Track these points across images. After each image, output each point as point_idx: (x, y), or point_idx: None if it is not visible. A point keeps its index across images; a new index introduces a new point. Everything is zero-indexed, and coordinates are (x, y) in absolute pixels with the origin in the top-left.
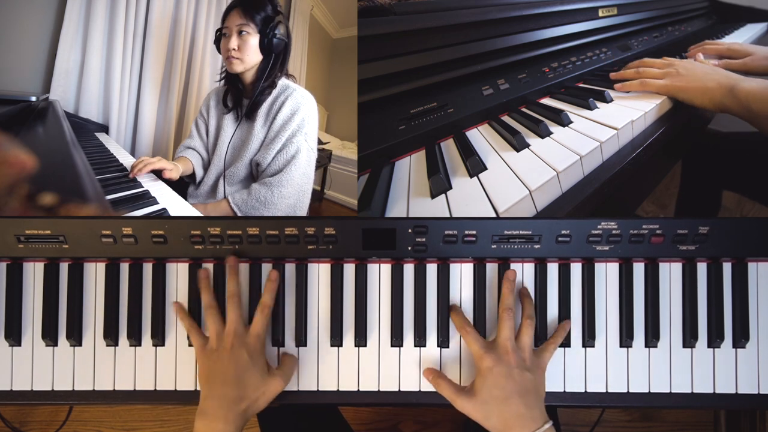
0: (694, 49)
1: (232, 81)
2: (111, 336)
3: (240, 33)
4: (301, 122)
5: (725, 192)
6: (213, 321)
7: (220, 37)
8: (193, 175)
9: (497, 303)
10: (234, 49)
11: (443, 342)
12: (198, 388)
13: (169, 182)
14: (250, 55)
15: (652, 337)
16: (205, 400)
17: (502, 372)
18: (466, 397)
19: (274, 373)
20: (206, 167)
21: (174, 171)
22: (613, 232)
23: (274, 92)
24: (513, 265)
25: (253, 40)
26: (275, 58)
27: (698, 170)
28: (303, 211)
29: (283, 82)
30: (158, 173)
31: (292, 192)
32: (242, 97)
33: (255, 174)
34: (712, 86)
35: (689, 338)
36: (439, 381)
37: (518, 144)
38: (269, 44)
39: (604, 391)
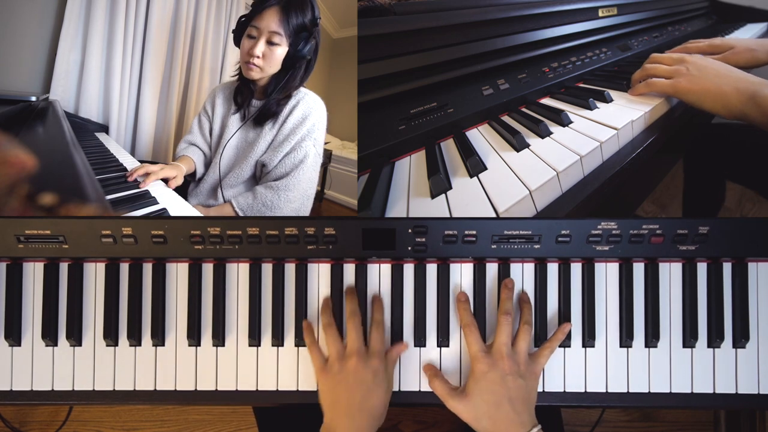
0: (678, 48)
1: (244, 79)
2: (111, 336)
3: (270, 42)
4: (311, 127)
5: (726, 192)
6: (333, 340)
7: (242, 28)
8: (194, 173)
9: (497, 303)
10: (258, 57)
11: (443, 342)
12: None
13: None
14: (272, 67)
15: (652, 337)
16: (332, 421)
17: (496, 378)
18: (458, 398)
19: (390, 388)
20: (207, 164)
21: (178, 178)
22: (613, 232)
23: None
24: (513, 265)
25: (281, 51)
26: (294, 71)
27: (701, 160)
28: (306, 213)
29: None
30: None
31: (297, 196)
32: (252, 97)
33: (258, 175)
34: (728, 91)
35: (689, 338)
36: (435, 379)
37: (518, 144)
38: (294, 59)
39: (604, 391)
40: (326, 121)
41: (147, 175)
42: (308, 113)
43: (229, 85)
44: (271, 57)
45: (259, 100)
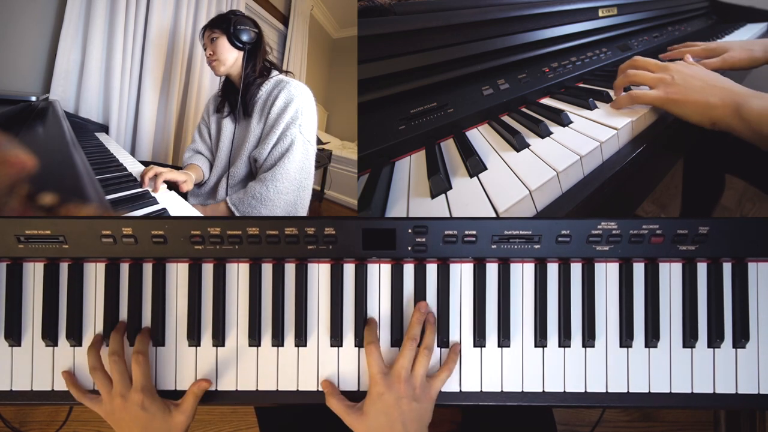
0: (674, 51)
1: (227, 90)
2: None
3: (211, 40)
4: (294, 114)
5: (726, 192)
6: (101, 384)
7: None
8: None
9: (497, 304)
10: (211, 54)
11: (443, 342)
12: None
13: (171, 183)
14: (224, 53)
15: (652, 337)
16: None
17: (391, 400)
18: (355, 416)
19: (174, 412)
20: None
21: (188, 182)
22: (613, 232)
23: (269, 87)
24: (513, 265)
25: (222, 40)
26: (252, 48)
27: (701, 152)
28: (304, 208)
29: (277, 77)
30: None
31: (289, 187)
32: (238, 98)
33: (254, 171)
34: (714, 102)
35: (689, 338)
36: (331, 397)
37: (518, 144)
38: (237, 37)
39: (604, 391)
40: (314, 105)
41: (156, 176)
42: (291, 99)
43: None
44: (218, 48)
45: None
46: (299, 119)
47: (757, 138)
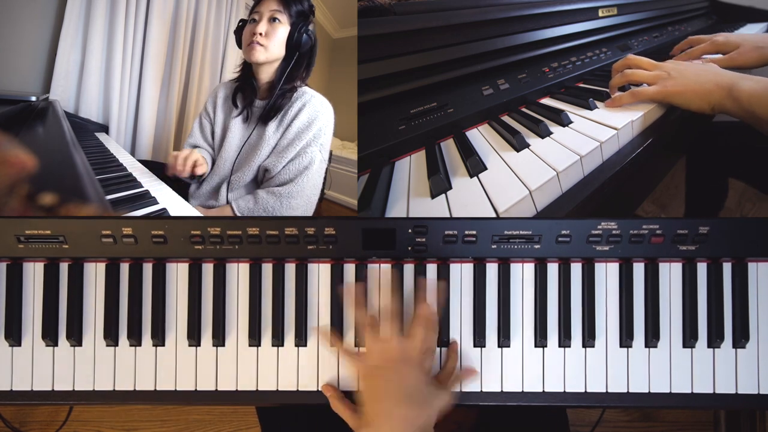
0: (679, 49)
1: (246, 78)
2: (111, 336)
3: (272, 19)
4: (317, 132)
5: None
6: (372, 339)
7: (241, 27)
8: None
9: (497, 304)
10: (261, 34)
11: (444, 342)
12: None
13: (170, 182)
14: (276, 46)
15: (652, 337)
16: (378, 418)
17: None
18: (356, 419)
19: (440, 388)
20: (212, 165)
21: (204, 165)
22: (613, 232)
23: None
24: (513, 265)
25: (283, 29)
26: (299, 58)
27: (704, 157)
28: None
29: (301, 87)
30: (164, 177)
31: (301, 203)
32: (255, 97)
33: (260, 178)
34: (710, 88)
35: (689, 338)
36: (335, 401)
37: (518, 144)
38: (298, 40)
39: (604, 391)
40: (333, 124)
41: (185, 161)
42: (315, 117)
43: (230, 84)
44: (273, 35)
45: (262, 100)
46: (321, 138)
47: (750, 117)
